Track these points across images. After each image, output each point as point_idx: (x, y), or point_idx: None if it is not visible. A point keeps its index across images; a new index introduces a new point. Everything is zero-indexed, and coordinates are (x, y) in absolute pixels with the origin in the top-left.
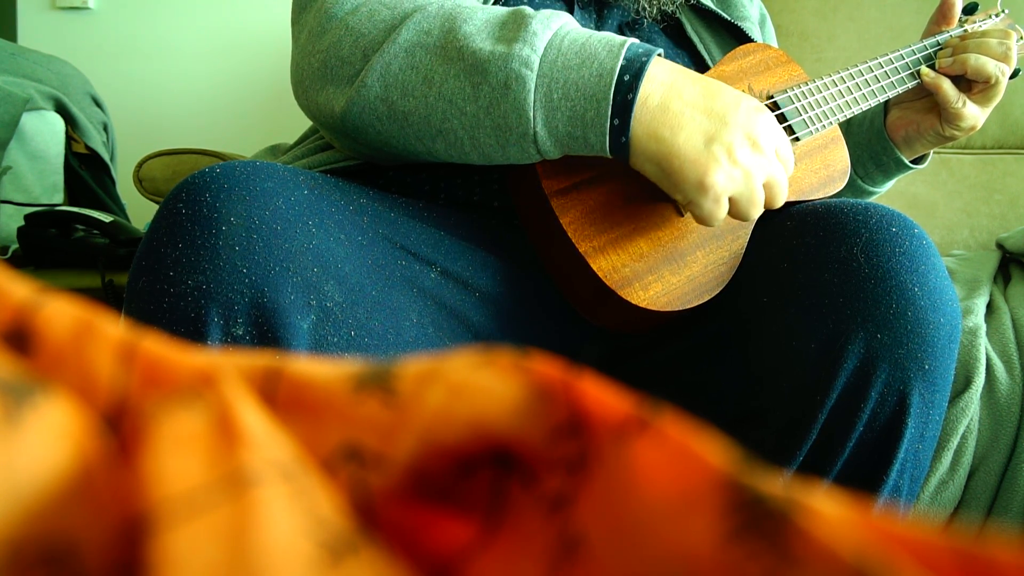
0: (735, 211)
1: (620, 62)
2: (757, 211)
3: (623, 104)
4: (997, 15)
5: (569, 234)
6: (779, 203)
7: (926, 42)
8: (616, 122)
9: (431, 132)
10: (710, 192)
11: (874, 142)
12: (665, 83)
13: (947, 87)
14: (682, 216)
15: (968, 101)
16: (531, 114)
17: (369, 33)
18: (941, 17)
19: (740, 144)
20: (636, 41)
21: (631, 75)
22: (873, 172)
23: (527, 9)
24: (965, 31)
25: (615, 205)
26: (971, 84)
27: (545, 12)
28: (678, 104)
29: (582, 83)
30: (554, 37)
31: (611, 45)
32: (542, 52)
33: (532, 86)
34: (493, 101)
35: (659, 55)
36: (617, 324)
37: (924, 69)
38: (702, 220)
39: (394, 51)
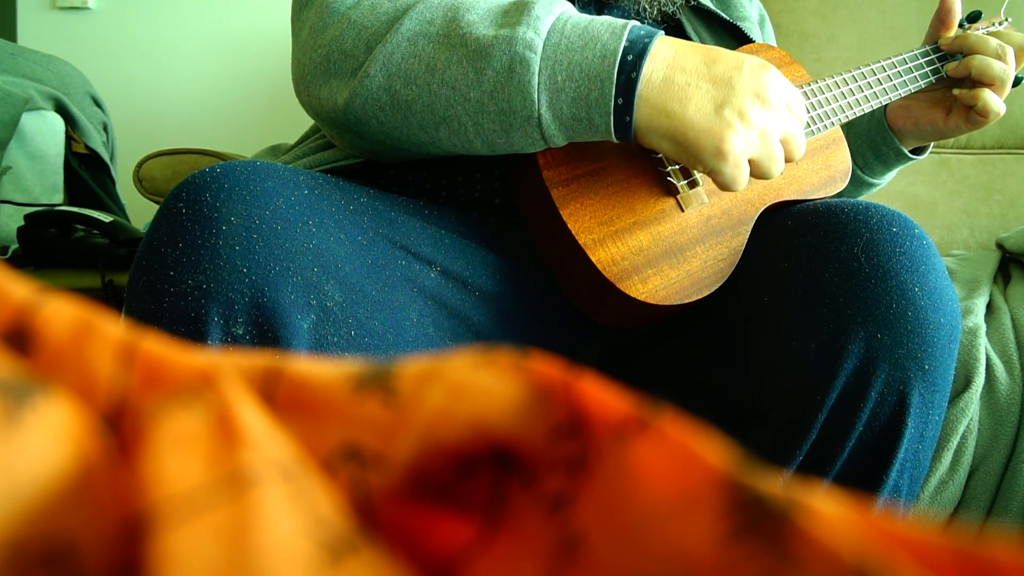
0: (757, 171)
1: (623, 43)
2: (779, 168)
3: (627, 83)
4: (1000, 23)
5: (569, 226)
6: (798, 156)
7: (929, 47)
8: (620, 101)
9: (435, 120)
10: (729, 158)
11: (874, 133)
12: (667, 59)
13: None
14: (683, 211)
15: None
16: (536, 96)
17: (372, 25)
18: (939, 23)
19: (750, 105)
20: (638, 23)
21: (634, 55)
22: (873, 162)
23: None
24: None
25: (616, 198)
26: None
27: (546, 0)
28: (682, 76)
29: (586, 64)
30: (557, 21)
31: (614, 27)
32: (546, 35)
33: (536, 68)
34: (497, 85)
35: (662, 35)
36: (616, 319)
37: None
38: (725, 186)
39: (397, 41)
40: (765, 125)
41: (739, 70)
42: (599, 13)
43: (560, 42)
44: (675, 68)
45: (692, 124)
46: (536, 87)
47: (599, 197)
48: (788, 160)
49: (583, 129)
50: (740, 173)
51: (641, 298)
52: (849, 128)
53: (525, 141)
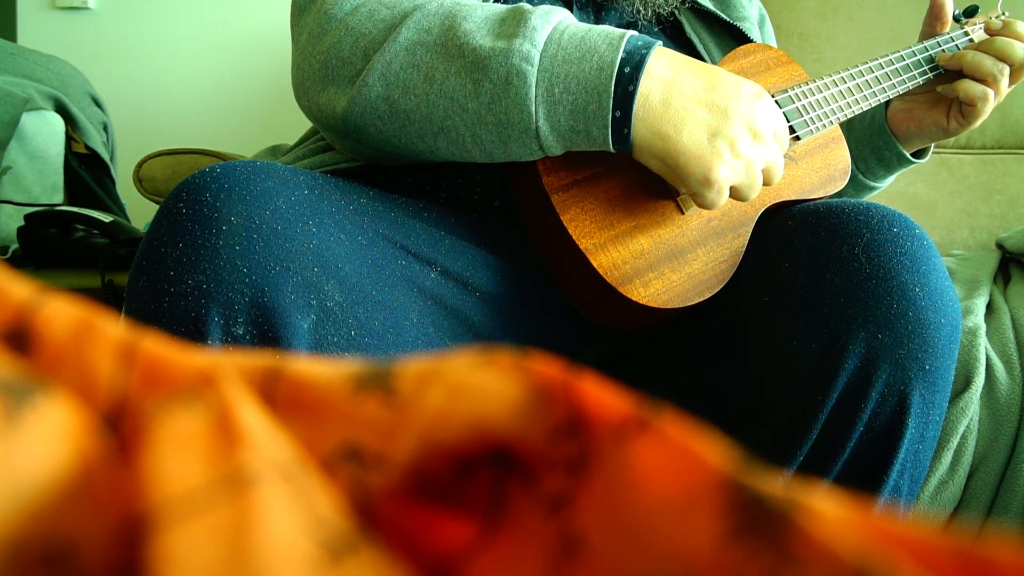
0: (735, 195)
1: (620, 55)
2: (755, 194)
3: (624, 96)
4: (997, 18)
5: (570, 231)
6: (776, 182)
7: (927, 43)
8: (618, 114)
9: (433, 130)
10: (714, 186)
11: (876, 137)
12: (665, 78)
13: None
14: (683, 214)
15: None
16: (533, 109)
17: (369, 33)
18: (933, 19)
19: (742, 136)
20: (635, 33)
21: (631, 67)
22: (875, 167)
23: (526, 5)
24: (965, 33)
25: (616, 202)
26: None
27: (544, 7)
28: (679, 99)
29: (583, 76)
30: (553, 31)
31: (611, 38)
32: (542, 47)
33: (533, 81)
34: (495, 97)
35: (659, 46)
36: (617, 322)
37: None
38: (703, 207)
39: (395, 50)
40: (752, 157)
41: (736, 98)
42: (596, 14)
43: (557, 54)
44: (673, 89)
45: (684, 150)
46: (533, 100)
47: (599, 201)
48: (765, 184)
49: (581, 140)
50: (721, 198)
51: (643, 302)
52: (851, 132)
53: (523, 151)
